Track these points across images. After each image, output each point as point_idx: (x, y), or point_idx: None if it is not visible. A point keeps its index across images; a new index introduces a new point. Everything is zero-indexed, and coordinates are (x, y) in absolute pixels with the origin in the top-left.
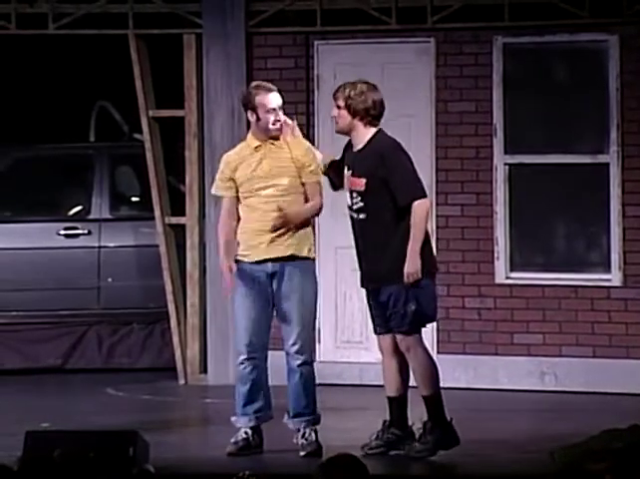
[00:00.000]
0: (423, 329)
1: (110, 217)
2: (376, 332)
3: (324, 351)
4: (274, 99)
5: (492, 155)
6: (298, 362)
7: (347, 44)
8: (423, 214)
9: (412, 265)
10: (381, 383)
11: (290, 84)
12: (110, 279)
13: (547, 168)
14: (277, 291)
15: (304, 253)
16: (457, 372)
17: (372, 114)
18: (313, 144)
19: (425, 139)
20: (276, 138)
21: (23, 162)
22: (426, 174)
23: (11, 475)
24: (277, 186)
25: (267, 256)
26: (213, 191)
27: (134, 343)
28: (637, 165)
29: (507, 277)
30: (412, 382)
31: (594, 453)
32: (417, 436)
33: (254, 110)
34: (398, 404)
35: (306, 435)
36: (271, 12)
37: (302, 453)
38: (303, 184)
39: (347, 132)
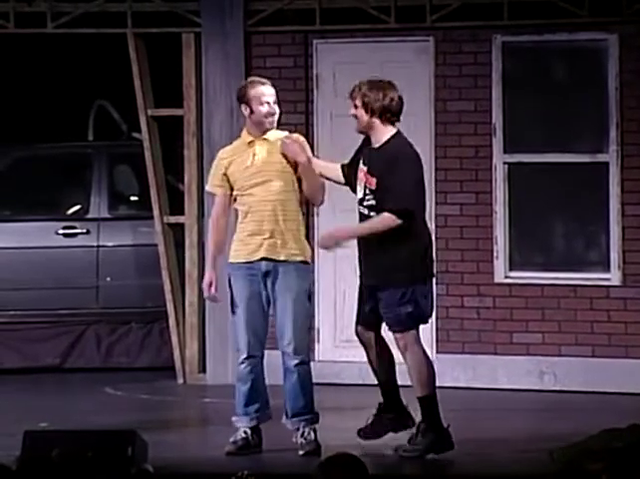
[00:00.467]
0: (421, 329)
1: (108, 216)
2: (360, 323)
3: (323, 351)
4: (267, 91)
5: (492, 154)
6: (295, 362)
7: (346, 43)
8: (384, 223)
9: (328, 235)
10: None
11: (289, 83)
12: (108, 279)
13: (547, 167)
14: (272, 291)
15: (298, 258)
16: (456, 372)
17: (390, 111)
18: (312, 143)
19: (424, 138)
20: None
21: (22, 161)
22: (425, 173)
23: (10, 474)
24: (271, 183)
25: (263, 256)
26: (207, 187)
27: (132, 343)
28: (636, 164)
29: (507, 277)
30: (406, 382)
31: (593, 453)
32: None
33: (248, 103)
34: (392, 389)
35: (305, 434)
36: (270, 11)
37: (301, 452)
38: (299, 179)
39: (366, 130)
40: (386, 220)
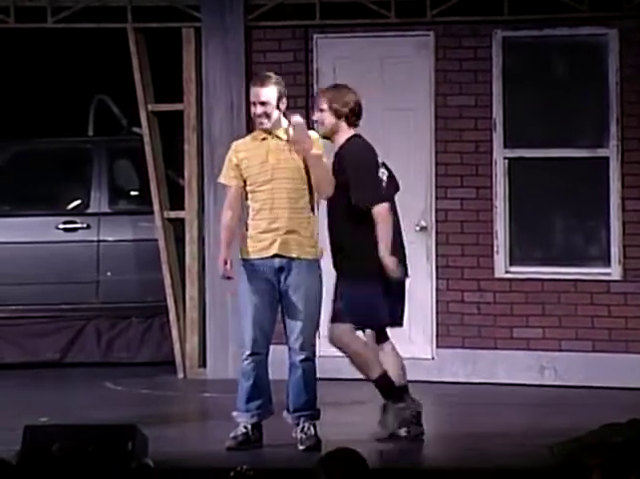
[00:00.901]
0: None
1: (109, 211)
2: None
3: (323, 346)
4: (259, 92)
5: (492, 149)
6: (300, 358)
7: (346, 38)
8: (384, 216)
9: (388, 264)
10: None
11: (289, 78)
12: (109, 273)
13: (547, 162)
14: (283, 287)
15: (309, 256)
16: (455, 366)
17: (355, 114)
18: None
19: (424, 133)
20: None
21: (22, 156)
22: (425, 168)
23: (10, 469)
24: (284, 180)
25: (275, 253)
26: (220, 179)
27: (132, 337)
28: (636, 159)
29: (507, 271)
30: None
31: (593, 447)
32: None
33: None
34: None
35: (305, 429)
36: (270, 6)
37: (301, 447)
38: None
39: (330, 135)
40: (382, 212)
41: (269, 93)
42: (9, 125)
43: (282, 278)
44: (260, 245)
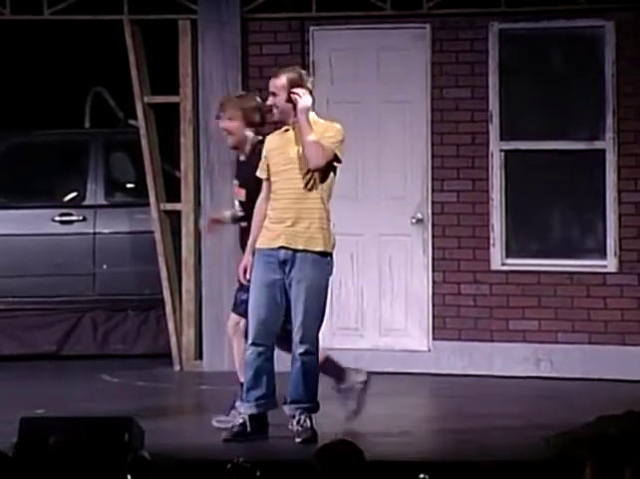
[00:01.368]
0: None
1: (105, 203)
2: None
3: (320, 338)
4: (269, 84)
5: (488, 141)
6: (300, 351)
7: (342, 30)
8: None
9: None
10: (376, 370)
11: None
12: (105, 266)
13: (543, 154)
14: (288, 279)
15: (317, 248)
16: (452, 359)
17: (260, 122)
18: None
19: (420, 125)
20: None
21: (18, 148)
22: (421, 160)
23: (6, 461)
24: (296, 171)
25: (281, 244)
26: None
27: (129, 330)
28: (633, 151)
29: (503, 264)
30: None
31: (589, 440)
32: None
33: None
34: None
35: (301, 422)
36: None
37: (297, 440)
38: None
39: (240, 145)
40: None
41: (276, 84)
42: (5, 117)
43: (287, 270)
44: (269, 236)
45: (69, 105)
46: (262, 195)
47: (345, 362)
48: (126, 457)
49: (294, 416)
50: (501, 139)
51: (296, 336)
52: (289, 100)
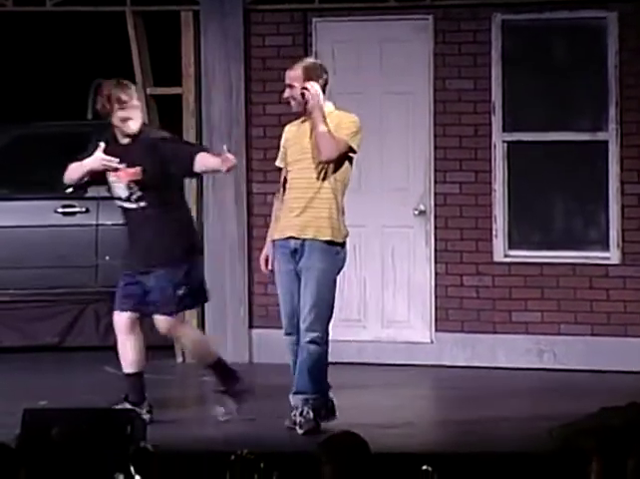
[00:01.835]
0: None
1: (107, 194)
2: (120, 309)
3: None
4: (286, 75)
5: (491, 132)
6: (306, 340)
7: (345, 21)
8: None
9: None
10: (379, 361)
11: (288, 61)
12: (107, 258)
13: (546, 145)
14: (298, 268)
15: (327, 237)
16: (454, 351)
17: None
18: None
19: (423, 116)
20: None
21: (21, 139)
22: (424, 151)
23: (9, 452)
24: (308, 161)
25: (291, 234)
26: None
27: None
28: (636, 142)
29: (506, 255)
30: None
31: (592, 431)
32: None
33: None
34: (137, 379)
35: (304, 413)
36: None
37: (299, 431)
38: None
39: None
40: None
41: (292, 75)
42: (8, 108)
43: (297, 260)
44: (281, 226)
45: (71, 96)
46: (281, 184)
47: (348, 354)
48: (128, 448)
49: (297, 407)
50: (504, 130)
51: (303, 325)
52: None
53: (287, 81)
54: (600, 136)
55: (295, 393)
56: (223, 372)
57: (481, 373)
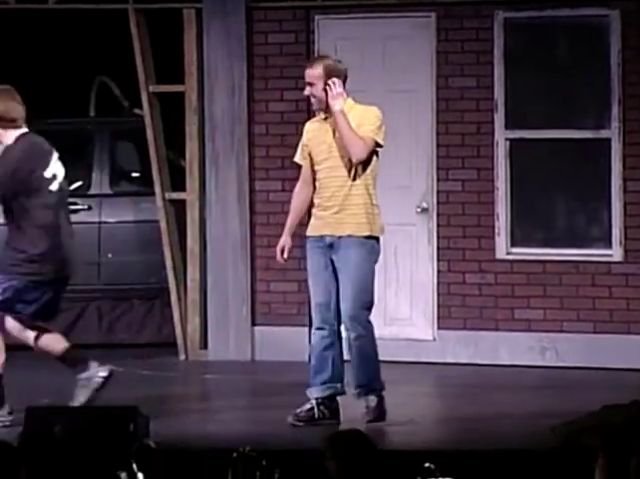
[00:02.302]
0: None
1: (110, 192)
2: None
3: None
4: (305, 74)
5: (494, 130)
6: (353, 335)
7: (347, 19)
8: None
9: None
10: (381, 359)
11: (290, 59)
12: (110, 255)
13: (548, 143)
14: (336, 265)
15: (363, 233)
16: (457, 348)
17: (5, 119)
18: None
19: (426, 114)
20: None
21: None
22: (426, 149)
23: (12, 450)
24: (340, 158)
25: (326, 232)
26: (295, 158)
27: (134, 319)
28: (638, 140)
29: (508, 253)
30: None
31: (594, 429)
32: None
33: None
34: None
35: (368, 403)
36: None
37: (364, 421)
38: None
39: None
40: None
41: (313, 74)
42: None
43: (334, 256)
44: (317, 224)
45: (74, 94)
46: (300, 182)
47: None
48: (131, 445)
49: (360, 399)
50: (507, 128)
51: (347, 322)
52: (325, 89)
53: (307, 79)
54: (603, 133)
55: (356, 387)
56: (72, 359)
57: (484, 370)
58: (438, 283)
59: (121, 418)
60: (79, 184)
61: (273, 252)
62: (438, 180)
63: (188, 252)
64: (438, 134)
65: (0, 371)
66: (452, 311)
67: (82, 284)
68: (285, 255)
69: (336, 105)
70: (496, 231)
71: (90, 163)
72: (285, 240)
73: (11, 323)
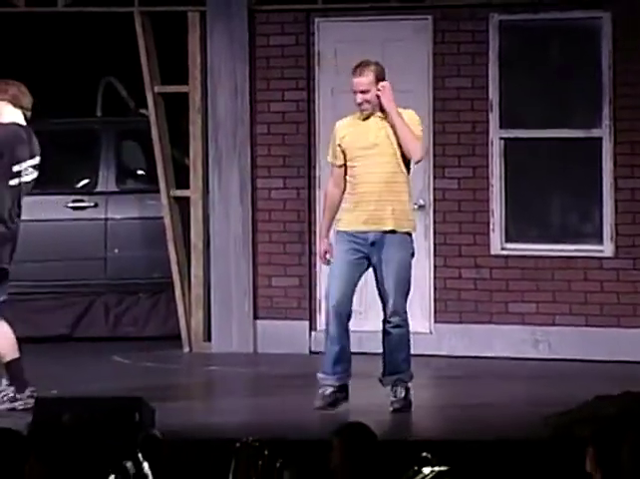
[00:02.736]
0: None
1: (116, 189)
2: None
3: (324, 321)
4: (358, 83)
5: (488, 129)
6: (393, 324)
7: (347, 21)
8: None
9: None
10: (379, 351)
11: (291, 60)
12: (116, 251)
13: (542, 142)
14: (376, 259)
15: (404, 229)
16: (453, 341)
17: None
18: (314, 118)
19: (422, 114)
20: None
21: None
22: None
23: (21, 439)
24: (379, 155)
25: (368, 229)
26: (328, 158)
27: (139, 313)
28: (629, 139)
29: (503, 249)
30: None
31: (586, 419)
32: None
33: None
34: None
35: (396, 392)
36: None
37: (391, 409)
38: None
39: None
40: None
41: (366, 82)
42: None
43: (376, 251)
44: (354, 219)
45: (81, 94)
46: (335, 180)
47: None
48: (137, 435)
49: (390, 387)
50: (501, 127)
51: (389, 311)
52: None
53: (360, 87)
54: (594, 133)
55: (389, 374)
56: (17, 375)
57: (479, 362)
58: (434, 278)
59: (127, 409)
60: (86, 181)
61: (274, 248)
62: (434, 177)
63: (192, 248)
64: (434, 133)
65: (16, 355)
66: (448, 305)
67: (89, 279)
68: (329, 256)
69: (394, 107)
70: (491, 227)
71: (97, 161)
72: (327, 244)
73: None
